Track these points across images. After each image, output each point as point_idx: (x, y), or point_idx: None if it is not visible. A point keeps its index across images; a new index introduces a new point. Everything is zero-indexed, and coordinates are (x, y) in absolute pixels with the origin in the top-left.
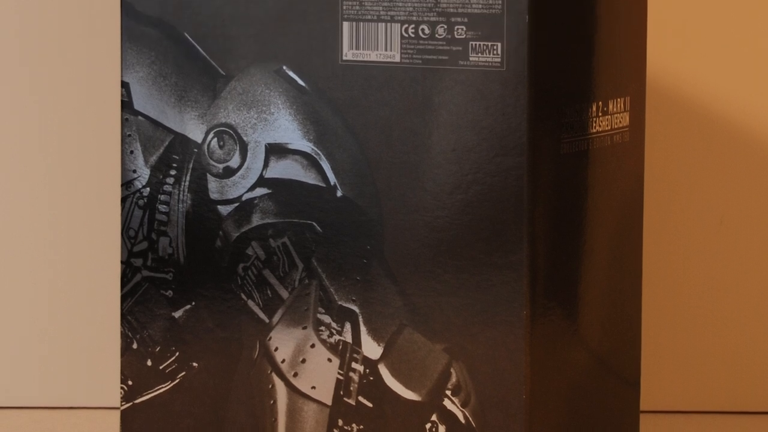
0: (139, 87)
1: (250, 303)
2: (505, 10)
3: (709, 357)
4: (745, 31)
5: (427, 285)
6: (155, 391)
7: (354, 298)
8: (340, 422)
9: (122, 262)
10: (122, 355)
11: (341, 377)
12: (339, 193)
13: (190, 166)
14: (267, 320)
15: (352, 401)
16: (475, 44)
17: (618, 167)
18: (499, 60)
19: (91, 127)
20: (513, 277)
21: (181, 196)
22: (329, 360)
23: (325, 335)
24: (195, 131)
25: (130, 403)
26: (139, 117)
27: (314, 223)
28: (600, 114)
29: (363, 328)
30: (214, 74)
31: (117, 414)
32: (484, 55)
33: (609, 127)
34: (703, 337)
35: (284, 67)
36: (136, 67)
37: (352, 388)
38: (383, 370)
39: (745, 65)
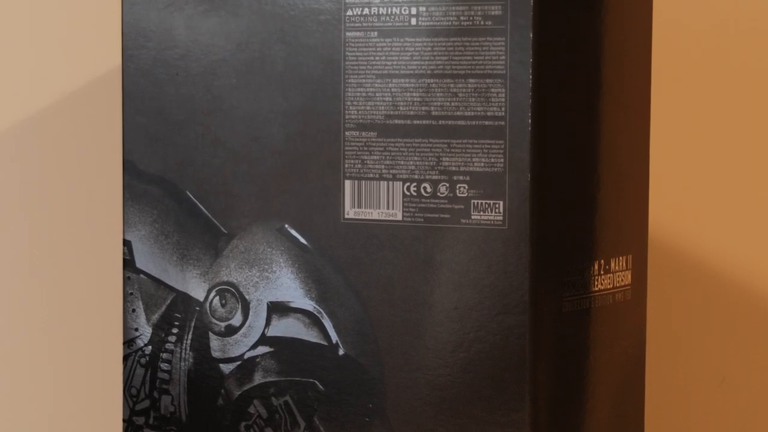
0: (141, 245)
1: None
2: (507, 169)
3: None
4: (745, 190)
5: None
6: None
7: None
8: None
9: (124, 421)
10: None
11: None
12: (341, 352)
13: (192, 324)
14: None
15: None
16: (477, 203)
17: (620, 325)
18: (501, 218)
19: (93, 285)
20: None
21: (183, 354)
22: None
23: None
24: (197, 289)
25: None
26: (141, 275)
27: (316, 382)
28: (602, 272)
29: None
30: (216, 232)
31: None
32: (486, 214)
33: (611, 286)
34: None
35: (286, 226)
36: (138, 225)
37: None
38: None
39: (745, 223)
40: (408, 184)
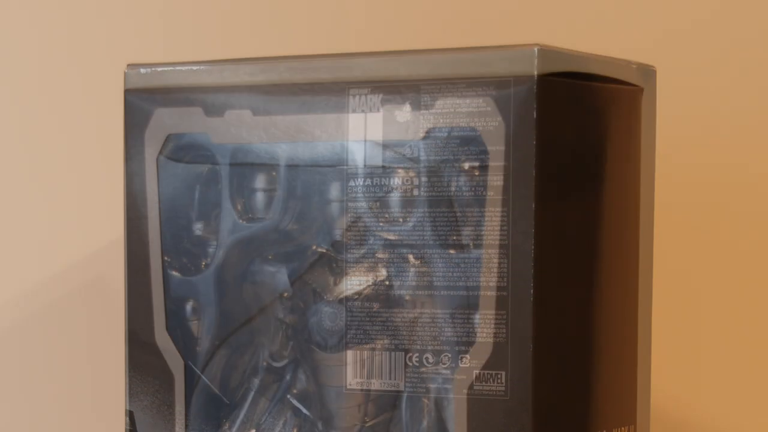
0: (143, 415)
1: None
2: (509, 339)
3: None
4: (743, 363)
5: None
6: None
7: None
8: None
9: None
10: None
11: None
12: None
13: None
14: None
15: None
16: (480, 373)
17: None
18: (503, 389)
19: None
20: None
21: None
22: None
23: None
24: None
25: None
26: None
27: None
28: None
29: None
30: (219, 403)
31: None
32: (489, 384)
33: None
34: None
35: (288, 396)
36: (140, 395)
37: None
38: None
39: (745, 393)
40: (410, 354)
